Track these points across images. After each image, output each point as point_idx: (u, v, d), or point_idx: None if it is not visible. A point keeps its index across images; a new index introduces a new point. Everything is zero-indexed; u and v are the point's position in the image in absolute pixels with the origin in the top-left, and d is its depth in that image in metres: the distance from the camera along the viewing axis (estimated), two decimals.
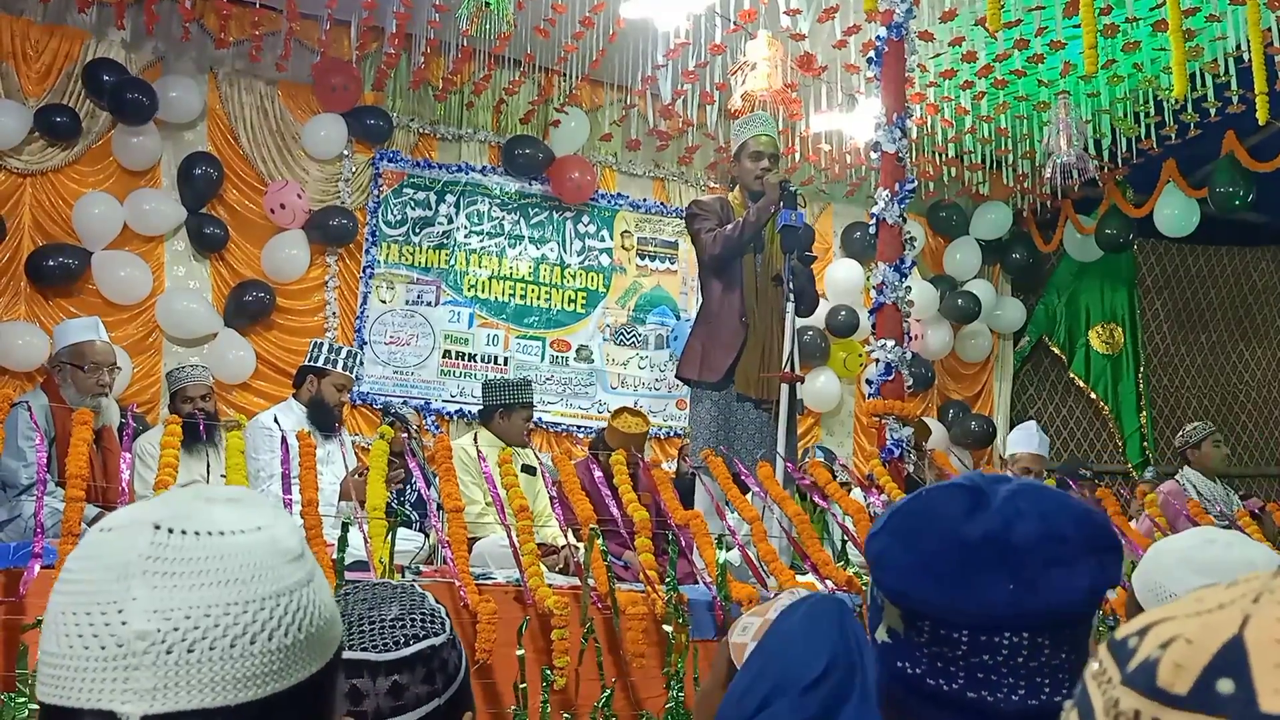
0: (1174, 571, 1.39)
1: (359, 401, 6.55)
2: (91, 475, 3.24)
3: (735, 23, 5.62)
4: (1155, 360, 8.70)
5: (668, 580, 2.93)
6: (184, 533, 0.69)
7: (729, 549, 3.32)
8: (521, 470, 4.35)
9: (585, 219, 7.36)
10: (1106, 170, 7.18)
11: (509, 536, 3.03)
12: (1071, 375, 8.61)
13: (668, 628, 2.85)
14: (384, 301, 6.80)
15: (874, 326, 4.20)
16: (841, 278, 7.75)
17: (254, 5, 5.88)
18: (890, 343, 4.05)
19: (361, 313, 6.72)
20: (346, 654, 1.08)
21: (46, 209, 5.95)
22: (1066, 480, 4.72)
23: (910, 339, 4.18)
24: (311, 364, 4.37)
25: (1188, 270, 8.86)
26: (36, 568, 2.45)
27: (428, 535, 3.80)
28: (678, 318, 7.44)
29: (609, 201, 7.41)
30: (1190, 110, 6.11)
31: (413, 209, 6.91)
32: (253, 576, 0.69)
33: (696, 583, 3.18)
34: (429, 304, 6.90)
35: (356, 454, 4.68)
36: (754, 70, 5.61)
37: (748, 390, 3.93)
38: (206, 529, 0.70)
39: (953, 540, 0.83)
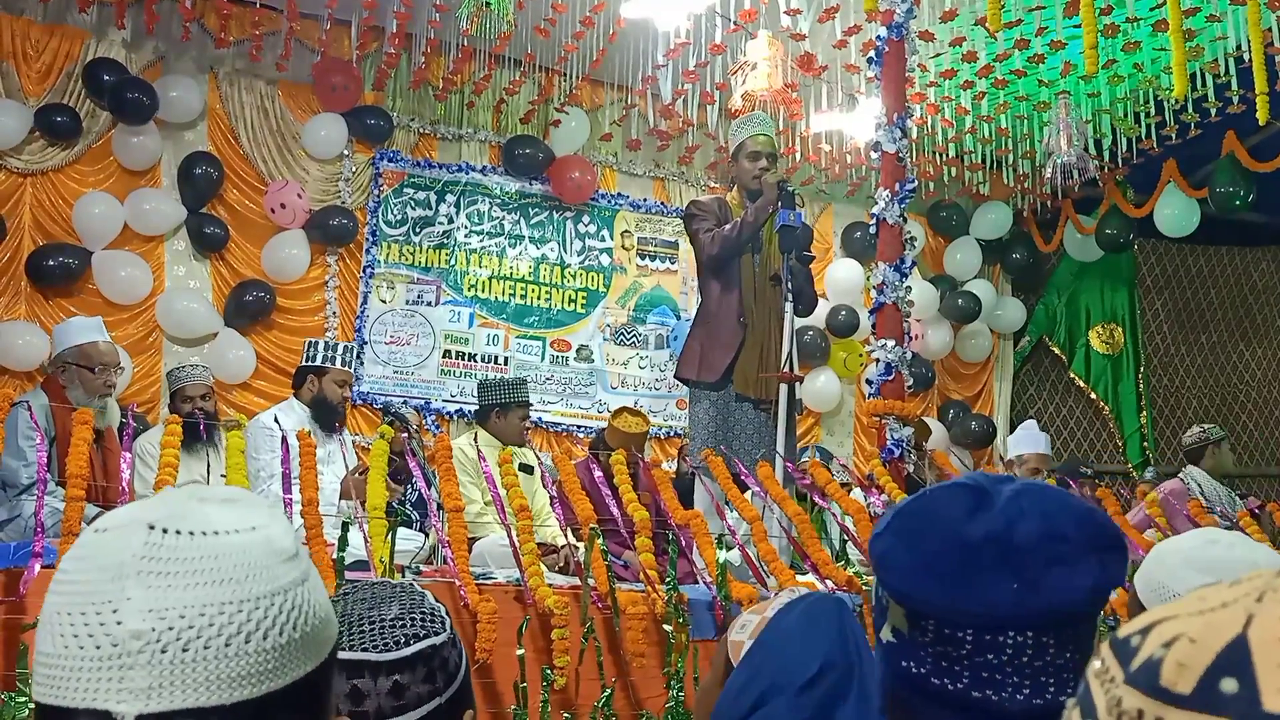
0: (1177, 571, 1.39)
1: (359, 401, 6.55)
2: (92, 475, 3.24)
3: (735, 23, 5.62)
4: (1155, 360, 8.69)
5: (668, 580, 2.93)
6: (178, 533, 0.69)
7: (729, 549, 3.32)
8: (519, 469, 4.35)
9: (585, 219, 7.36)
10: (1107, 170, 7.18)
11: (509, 536, 3.03)
12: (1072, 375, 8.60)
13: (668, 627, 2.85)
14: (384, 301, 6.80)
15: (874, 326, 4.20)
16: (842, 278, 7.75)
17: (254, 5, 5.88)
18: (890, 343, 4.05)
19: (362, 312, 6.72)
20: (347, 654, 1.08)
21: (47, 209, 5.95)
22: (1067, 480, 4.72)
23: (910, 339, 4.18)
24: (310, 364, 4.37)
25: (1188, 270, 8.86)
26: (37, 567, 2.45)
27: (428, 535, 3.80)
28: (678, 318, 7.44)
29: (609, 201, 7.41)
30: (1190, 110, 6.11)
31: (413, 209, 6.91)
32: (247, 576, 0.69)
33: (696, 582, 3.18)
34: (429, 304, 6.90)
35: (357, 453, 4.68)
36: (754, 70, 5.61)
37: (746, 390, 3.93)
38: (201, 529, 0.70)
39: (956, 540, 0.83)
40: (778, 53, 5.63)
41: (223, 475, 3.63)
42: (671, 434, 7.19)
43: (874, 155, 4.29)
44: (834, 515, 3.58)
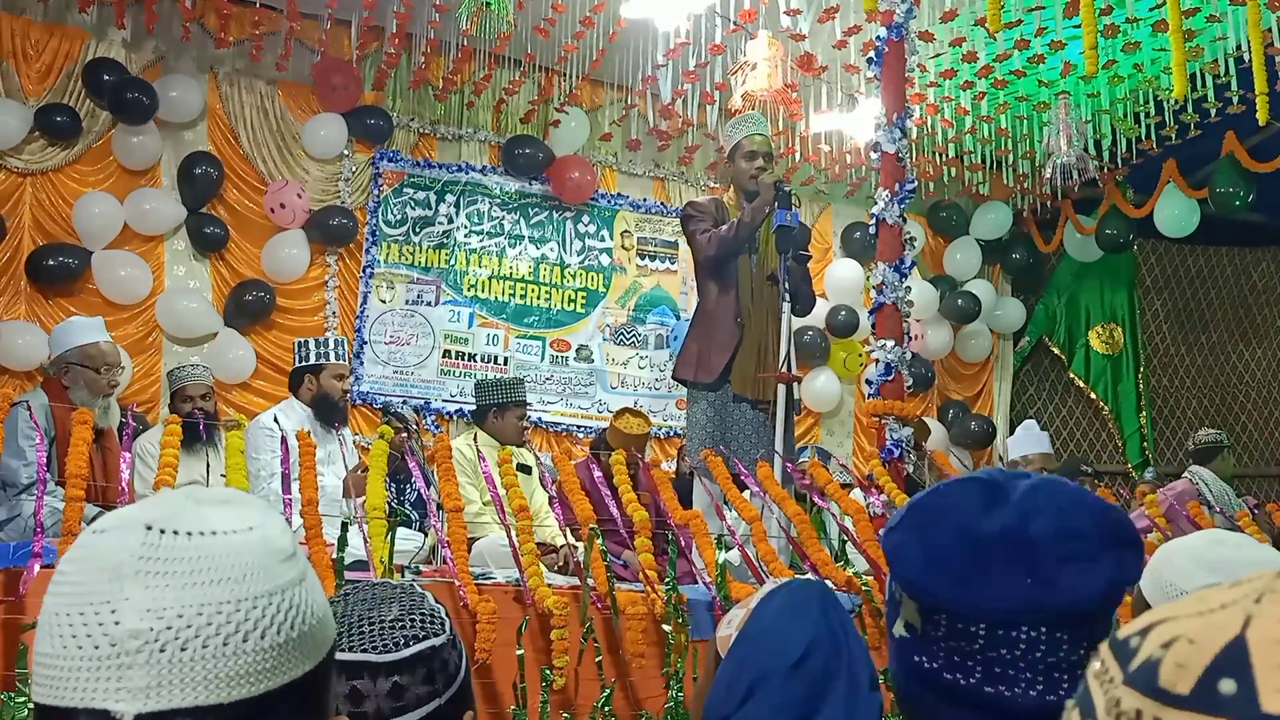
0: (1187, 570, 1.39)
1: (359, 401, 6.55)
2: (91, 475, 3.25)
3: (735, 23, 5.62)
4: (1155, 361, 8.69)
5: (667, 580, 2.93)
6: (176, 533, 0.70)
7: (728, 549, 3.32)
8: (517, 469, 4.35)
9: (585, 219, 7.36)
10: (1107, 170, 7.18)
11: (508, 536, 3.03)
12: (1071, 375, 8.60)
13: (667, 627, 2.85)
14: (384, 301, 6.80)
15: (874, 326, 4.19)
16: (841, 278, 7.75)
17: (254, 5, 5.88)
18: (890, 343, 4.05)
19: (361, 312, 6.72)
20: (347, 655, 1.08)
21: (46, 208, 5.95)
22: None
23: (910, 339, 4.18)
24: (304, 364, 4.34)
25: (1188, 271, 8.86)
26: (36, 567, 2.44)
27: (427, 535, 3.80)
28: (677, 317, 7.44)
29: (609, 201, 7.41)
30: (1190, 110, 6.11)
31: (413, 209, 6.91)
32: (245, 575, 0.70)
33: (696, 582, 3.18)
34: (429, 304, 6.90)
35: (359, 453, 4.66)
36: (754, 70, 5.61)
37: (744, 391, 3.93)
38: (199, 529, 0.70)
39: (970, 535, 0.83)
40: (777, 53, 5.63)
41: (222, 475, 3.63)
42: (671, 434, 7.19)
43: (874, 155, 4.28)
44: (833, 516, 3.58)
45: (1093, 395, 8.52)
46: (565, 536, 3.63)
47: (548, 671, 2.69)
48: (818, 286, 7.55)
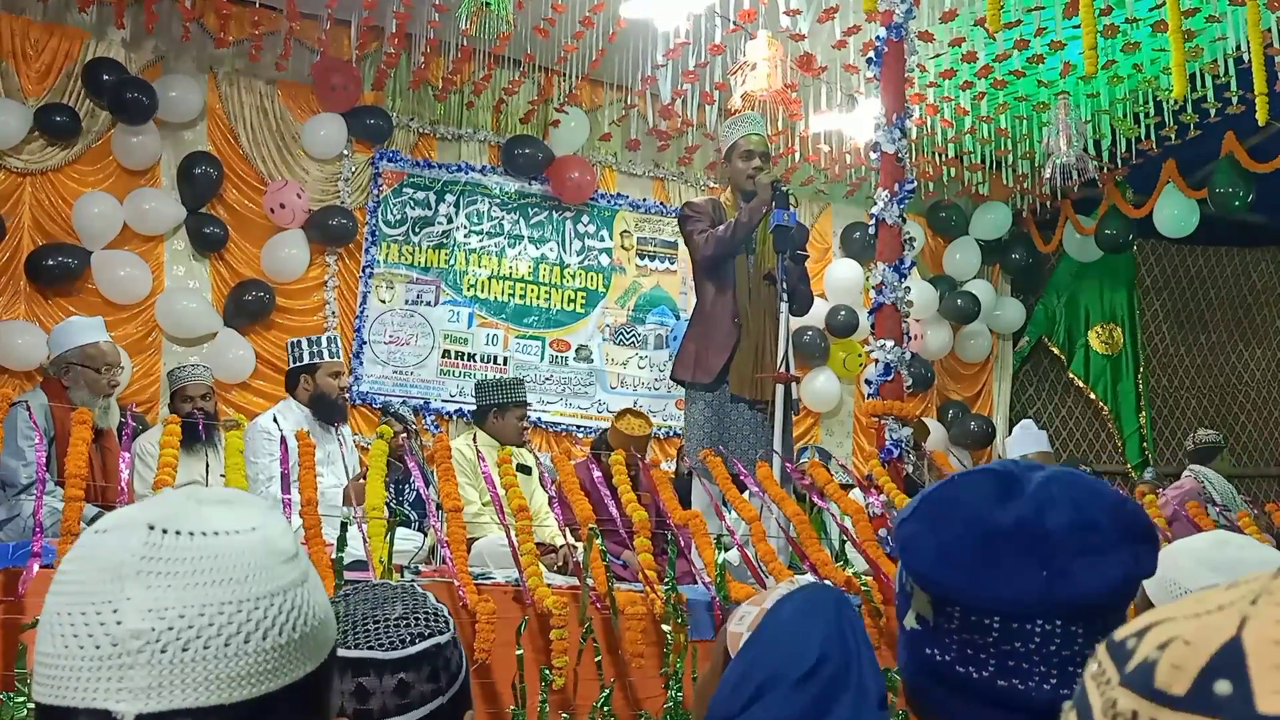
0: (1191, 570, 1.39)
1: (359, 401, 6.55)
2: (91, 475, 3.25)
3: (735, 23, 5.62)
4: (1155, 361, 8.70)
5: (666, 580, 2.93)
6: (178, 533, 0.70)
7: (728, 549, 3.32)
8: (516, 469, 4.35)
9: (585, 219, 7.36)
10: (1106, 171, 7.18)
11: (508, 536, 3.03)
12: (1071, 375, 8.61)
13: (666, 628, 2.85)
14: (383, 301, 6.80)
15: (873, 326, 4.19)
16: (841, 278, 7.75)
17: (254, 5, 5.88)
18: (890, 343, 4.05)
19: (361, 312, 6.72)
20: (353, 652, 1.08)
21: (46, 208, 5.95)
22: None
23: (910, 339, 4.18)
24: (299, 364, 4.31)
25: (1187, 271, 8.86)
26: (35, 567, 2.44)
27: (426, 535, 3.80)
28: (677, 318, 7.44)
29: (609, 201, 7.41)
30: (1190, 111, 6.11)
31: (412, 209, 6.91)
32: (247, 576, 0.70)
33: (695, 583, 3.18)
34: (428, 304, 6.90)
35: (359, 455, 4.66)
36: (754, 70, 5.61)
37: (742, 391, 3.93)
38: (200, 529, 0.70)
39: (984, 526, 0.82)
40: (777, 53, 5.63)
41: (222, 475, 3.62)
42: (671, 434, 7.19)
43: (873, 155, 4.28)
44: (833, 516, 3.58)
45: (1092, 395, 8.52)
46: (565, 537, 3.63)
47: (547, 671, 2.69)
48: (817, 286, 7.56)
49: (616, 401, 6.97)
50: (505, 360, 7.02)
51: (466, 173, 7.03)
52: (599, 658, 2.79)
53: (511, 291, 7.12)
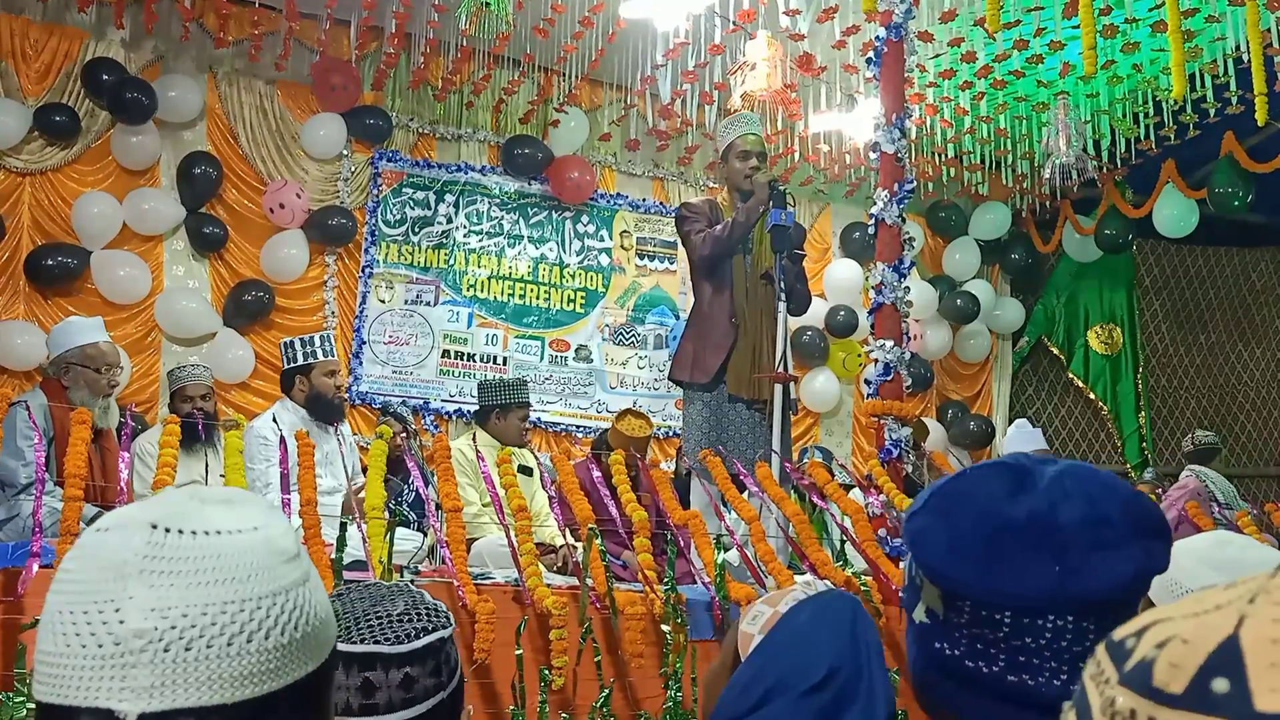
0: (1192, 569, 1.39)
1: (358, 401, 6.55)
2: (90, 475, 3.24)
3: (735, 23, 5.62)
4: (1154, 361, 8.70)
5: (666, 580, 2.93)
6: (181, 532, 0.70)
7: (727, 549, 3.32)
8: (518, 471, 4.34)
9: (584, 219, 7.36)
10: (1105, 171, 7.18)
11: (507, 536, 3.03)
12: (1070, 375, 8.61)
13: (666, 628, 2.85)
14: (383, 301, 6.80)
15: (873, 326, 4.19)
16: (840, 278, 7.75)
17: (253, 4, 5.88)
18: (889, 343, 4.05)
19: (360, 312, 6.72)
20: (359, 647, 1.09)
21: (45, 208, 5.95)
22: None
23: (909, 339, 4.17)
24: (293, 365, 4.26)
25: (1187, 271, 8.87)
26: (35, 567, 2.44)
27: (426, 534, 3.79)
28: (677, 317, 7.44)
29: (608, 201, 7.41)
30: (1189, 111, 6.11)
31: (412, 208, 6.91)
32: (249, 576, 0.70)
33: (695, 583, 3.18)
34: (428, 304, 6.90)
35: (358, 452, 4.65)
36: (753, 70, 5.61)
37: (739, 391, 3.93)
38: (203, 528, 0.70)
39: (996, 520, 0.81)
40: (777, 53, 5.63)
41: (221, 476, 3.62)
42: (670, 434, 7.19)
43: (873, 155, 4.28)
44: (833, 516, 3.58)
45: (1091, 395, 8.52)
46: (565, 537, 3.63)
47: (546, 671, 2.69)
48: (817, 286, 7.56)
49: (616, 401, 6.98)
50: (505, 360, 7.02)
51: (466, 173, 7.03)
52: (598, 658, 2.79)
53: (511, 291, 7.12)
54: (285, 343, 4.39)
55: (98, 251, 5.98)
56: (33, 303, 5.88)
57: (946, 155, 7.14)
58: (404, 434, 4.70)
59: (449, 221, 6.99)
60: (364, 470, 3.59)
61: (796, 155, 7.13)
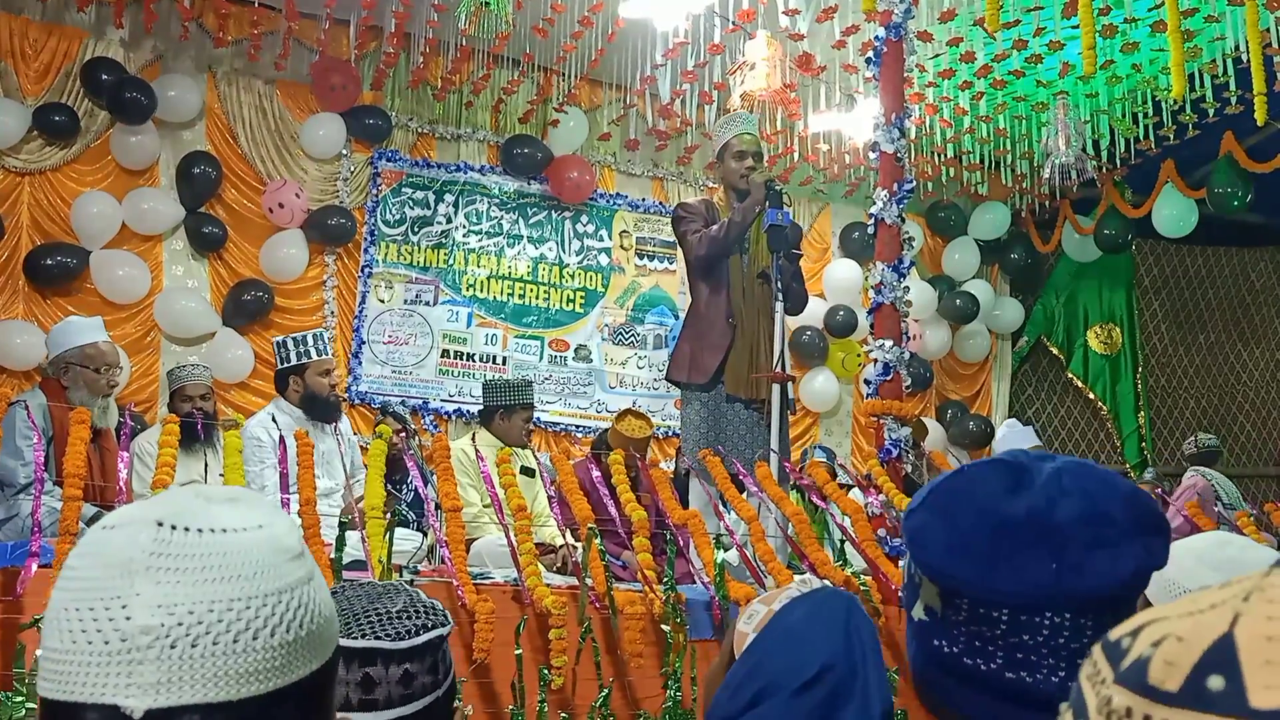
0: (1192, 569, 1.39)
1: (357, 401, 6.55)
2: (89, 474, 3.25)
3: (734, 23, 5.62)
4: (1153, 361, 8.70)
5: (665, 580, 2.93)
6: (187, 530, 0.70)
7: (727, 549, 3.32)
8: (520, 472, 4.34)
9: (584, 218, 7.36)
10: (1105, 171, 7.18)
11: (507, 536, 3.03)
12: (1070, 375, 8.61)
13: (665, 627, 2.85)
14: (382, 301, 6.80)
15: (872, 326, 4.19)
16: (840, 278, 7.76)
17: (253, 4, 5.87)
18: (888, 343, 4.05)
19: (360, 312, 6.72)
20: (359, 642, 1.09)
21: (45, 208, 5.95)
22: None
23: (908, 339, 4.18)
24: (287, 364, 4.22)
25: (1186, 271, 8.87)
26: (34, 567, 2.45)
27: (425, 534, 3.79)
28: (676, 317, 7.44)
29: (608, 201, 7.41)
30: (1189, 111, 6.11)
31: (411, 208, 6.91)
32: (255, 573, 0.70)
33: (694, 583, 3.18)
34: (427, 303, 6.90)
35: (358, 451, 4.63)
36: (753, 70, 5.61)
37: (737, 391, 3.93)
38: (209, 526, 0.71)
39: (994, 517, 0.81)
40: (776, 53, 5.63)
41: (220, 475, 3.62)
42: (670, 434, 7.20)
43: (872, 155, 4.28)
44: (832, 516, 3.58)
45: (1091, 395, 8.53)
46: (564, 537, 3.63)
47: (546, 671, 2.69)
48: (816, 286, 7.57)
49: (615, 401, 6.98)
50: (504, 360, 7.02)
51: (465, 172, 7.03)
52: (598, 658, 2.79)
53: (510, 291, 7.12)
54: (278, 342, 4.35)
55: (97, 251, 5.98)
56: (32, 302, 5.87)
57: (946, 155, 7.14)
58: (403, 433, 4.69)
59: (448, 221, 6.99)
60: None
61: (796, 155, 7.13)
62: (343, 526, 2.80)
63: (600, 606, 2.86)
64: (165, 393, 5.13)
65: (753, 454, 3.81)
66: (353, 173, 6.73)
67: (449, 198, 6.99)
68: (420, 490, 3.39)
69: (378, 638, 1.10)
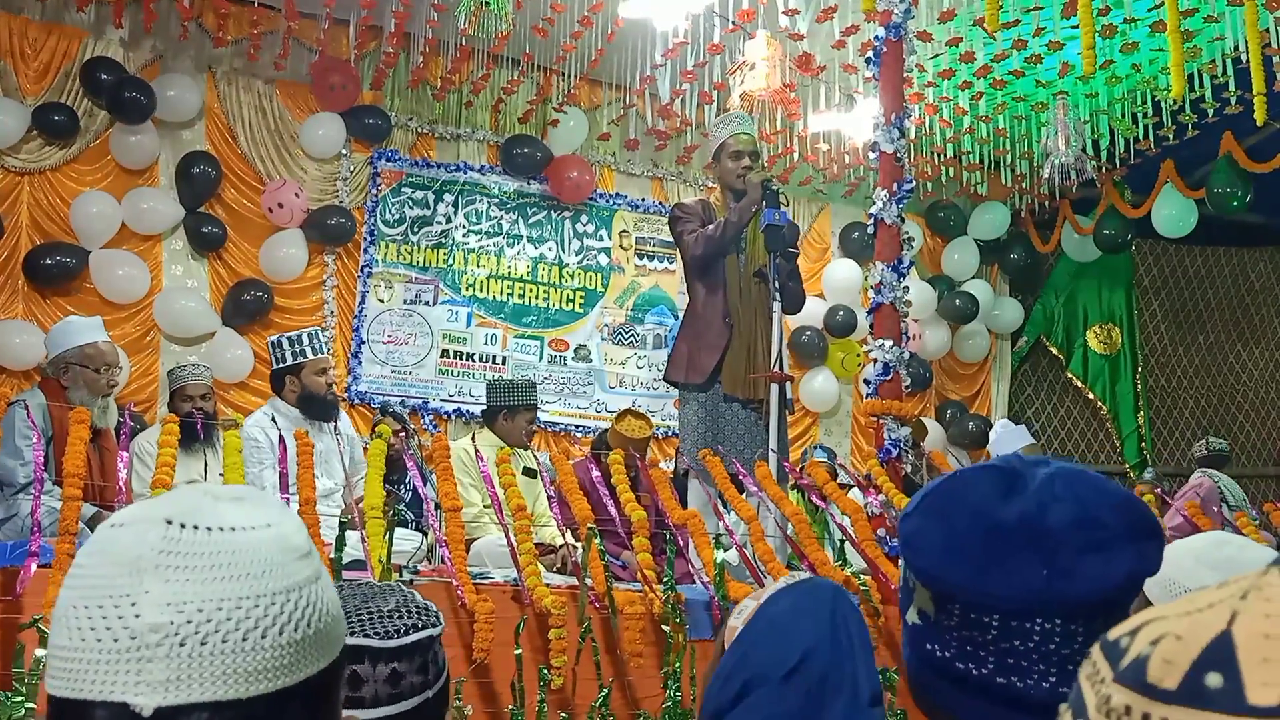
0: (1191, 569, 1.40)
1: (357, 401, 6.55)
2: (89, 474, 3.25)
3: (734, 22, 5.62)
4: (1153, 361, 8.71)
5: (665, 580, 2.94)
6: (195, 528, 0.70)
7: (726, 549, 3.32)
8: (522, 473, 4.34)
9: (584, 218, 7.36)
10: (1104, 171, 7.19)
11: (506, 536, 3.03)
12: (1069, 375, 8.62)
13: (665, 627, 2.85)
14: (382, 301, 6.80)
15: (872, 326, 4.20)
16: (840, 278, 7.76)
17: (252, 4, 5.88)
18: (888, 342, 4.05)
19: (359, 312, 6.72)
20: (348, 639, 1.09)
21: (44, 208, 5.95)
22: None
23: (908, 339, 4.18)
24: (283, 364, 4.19)
25: (1185, 271, 8.87)
26: (33, 566, 2.45)
27: (425, 534, 3.79)
28: (676, 317, 7.44)
29: (607, 201, 7.42)
30: (1188, 111, 6.12)
31: (411, 208, 6.91)
32: (264, 572, 0.70)
33: (694, 582, 3.18)
34: (427, 303, 6.90)
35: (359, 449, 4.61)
36: (752, 70, 5.62)
37: (734, 390, 3.93)
38: (218, 525, 0.71)
39: (987, 522, 0.81)
40: (776, 53, 5.64)
41: (220, 475, 3.62)
42: (669, 434, 7.20)
43: (872, 155, 4.29)
44: (831, 516, 3.58)
45: (1090, 395, 8.53)
46: (564, 537, 3.63)
47: (545, 671, 2.69)
48: (816, 286, 7.57)
49: (615, 401, 6.98)
50: (504, 360, 7.02)
51: (465, 172, 7.03)
52: (598, 657, 2.79)
53: (510, 291, 7.12)
54: (272, 342, 4.32)
55: (96, 251, 5.98)
56: (31, 302, 5.87)
57: (945, 155, 7.14)
58: (402, 433, 4.69)
59: (448, 221, 6.99)
60: None
61: (795, 155, 7.13)
62: (343, 526, 2.80)
63: (600, 606, 2.86)
64: (165, 392, 5.13)
65: (751, 454, 3.81)
66: (352, 172, 6.73)
67: (449, 198, 6.99)
68: (419, 490, 3.38)
69: (366, 635, 1.10)
